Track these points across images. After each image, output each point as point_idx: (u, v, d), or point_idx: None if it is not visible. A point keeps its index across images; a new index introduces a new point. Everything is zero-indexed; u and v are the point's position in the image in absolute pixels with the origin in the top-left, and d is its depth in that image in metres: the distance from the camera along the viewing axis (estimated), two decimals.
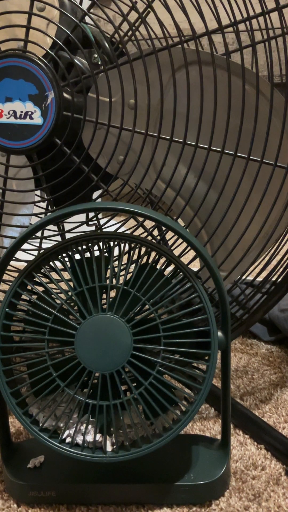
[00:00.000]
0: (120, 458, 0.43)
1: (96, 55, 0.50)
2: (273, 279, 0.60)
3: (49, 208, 0.55)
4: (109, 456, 0.43)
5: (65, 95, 0.48)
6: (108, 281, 0.43)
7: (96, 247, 0.45)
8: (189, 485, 0.44)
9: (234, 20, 0.46)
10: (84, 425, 0.43)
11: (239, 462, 0.50)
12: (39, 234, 0.56)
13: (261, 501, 0.45)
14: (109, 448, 0.43)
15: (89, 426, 0.43)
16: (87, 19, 0.49)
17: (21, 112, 0.47)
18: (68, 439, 0.43)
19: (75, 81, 0.48)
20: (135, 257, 0.45)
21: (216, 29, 0.46)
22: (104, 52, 0.51)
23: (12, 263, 0.46)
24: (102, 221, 0.58)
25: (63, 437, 0.43)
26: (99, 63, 0.50)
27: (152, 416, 0.42)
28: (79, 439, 0.43)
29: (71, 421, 0.44)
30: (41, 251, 0.44)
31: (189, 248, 0.51)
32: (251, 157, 0.48)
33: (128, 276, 0.43)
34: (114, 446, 0.43)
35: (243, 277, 0.56)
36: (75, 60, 0.49)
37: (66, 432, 0.43)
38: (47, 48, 0.47)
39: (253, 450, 0.52)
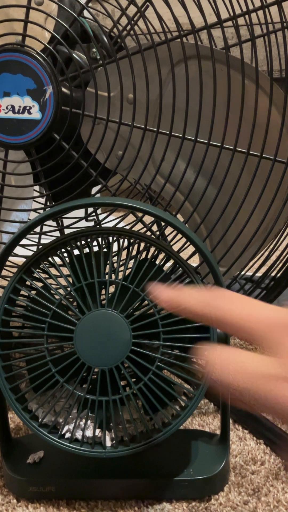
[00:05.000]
0: (119, 453, 0.43)
1: (94, 50, 0.49)
2: (273, 274, 0.59)
3: (48, 203, 0.55)
4: (109, 451, 0.43)
5: (63, 89, 0.48)
6: (107, 276, 0.42)
7: (95, 243, 0.45)
8: (189, 480, 0.44)
9: (234, 14, 0.46)
10: (84, 420, 0.43)
11: (238, 457, 0.50)
12: (38, 229, 0.56)
13: (260, 495, 0.45)
14: (108, 443, 0.43)
15: (89, 422, 0.44)
16: (85, 13, 0.48)
17: (20, 107, 0.47)
18: (68, 435, 0.43)
19: (73, 76, 0.48)
20: (134, 252, 0.45)
21: (215, 23, 0.46)
22: (103, 46, 0.51)
23: (10, 258, 0.45)
24: (101, 217, 0.58)
25: (63, 433, 0.43)
26: (98, 57, 0.49)
27: (151, 411, 0.42)
28: (79, 434, 0.43)
29: (70, 416, 0.44)
30: (40, 247, 0.44)
31: (188, 243, 0.51)
32: (250, 152, 0.48)
33: (127, 271, 0.43)
34: (114, 442, 0.43)
35: (243, 273, 0.56)
36: (74, 55, 0.49)
37: (66, 428, 0.43)
38: (45, 43, 0.46)
39: (252, 445, 0.52)
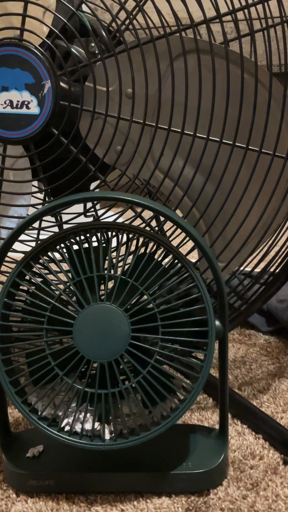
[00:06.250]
0: (118, 446, 0.43)
1: (93, 44, 0.49)
2: (272, 269, 0.59)
3: (47, 199, 0.55)
4: (107, 444, 0.43)
5: (62, 84, 0.48)
6: (106, 271, 0.43)
7: (94, 238, 0.45)
8: (187, 473, 0.44)
9: (233, 8, 0.46)
10: (83, 413, 0.44)
11: (237, 451, 0.50)
12: (36, 225, 0.56)
13: (259, 490, 0.45)
14: (107, 436, 0.43)
15: (88, 415, 0.44)
16: (84, 7, 0.48)
17: (18, 101, 0.47)
18: (67, 428, 0.43)
19: (72, 70, 0.48)
20: (133, 247, 0.45)
21: (214, 17, 0.46)
22: (102, 41, 0.50)
23: (9, 254, 0.45)
24: (99, 212, 0.58)
25: (62, 426, 0.43)
26: (96, 52, 0.49)
27: (150, 404, 0.42)
28: (78, 427, 0.43)
29: (69, 409, 0.44)
30: (39, 242, 0.44)
31: (187, 238, 0.51)
32: (249, 147, 0.48)
33: (126, 266, 0.43)
34: (113, 434, 0.43)
35: (242, 268, 0.56)
36: (72, 49, 0.49)
37: (65, 421, 0.44)
38: (43, 37, 0.46)
39: (251, 440, 0.52)
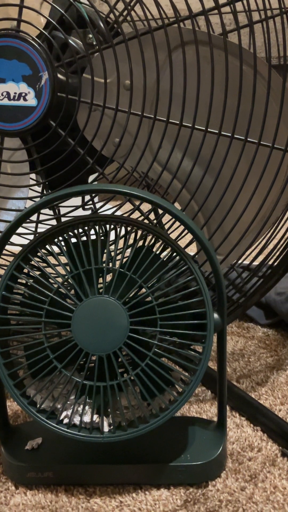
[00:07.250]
0: (117, 438, 0.43)
1: (91, 35, 0.49)
2: (270, 262, 0.59)
3: (44, 191, 0.55)
4: (106, 436, 0.43)
5: (59, 76, 0.47)
6: (104, 264, 0.42)
7: (92, 231, 0.45)
8: (186, 465, 0.45)
9: None
10: (81, 406, 0.44)
11: (235, 443, 0.50)
12: (34, 218, 0.55)
13: (257, 482, 0.45)
14: (106, 428, 0.43)
15: (86, 407, 0.44)
16: None
17: (15, 93, 0.46)
18: (66, 420, 0.44)
19: (69, 62, 0.47)
20: (131, 240, 0.45)
21: (212, 8, 0.45)
22: (99, 32, 0.50)
23: (7, 247, 0.45)
24: (98, 205, 0.57)
25: (61, 418, 0.44)
26: (94, 43, 0.49)
27: (149, 397, 0.42)
28: (76, 420, 0.44)
29: (68, 402, 0.44)
30: (37, 234, 0.44)
31: (186, 231, 0.51)
32: (248, 139, 0.47)
33: (125, 259, 0.43)
34: (111, 427, 0.43)
35: (240, 261, 0.56)
36: (70, 40, 0.49)
37: (64, 413, 0.44)
38: (41, 28, 0.46)
39: (249, 432, 0.52)
